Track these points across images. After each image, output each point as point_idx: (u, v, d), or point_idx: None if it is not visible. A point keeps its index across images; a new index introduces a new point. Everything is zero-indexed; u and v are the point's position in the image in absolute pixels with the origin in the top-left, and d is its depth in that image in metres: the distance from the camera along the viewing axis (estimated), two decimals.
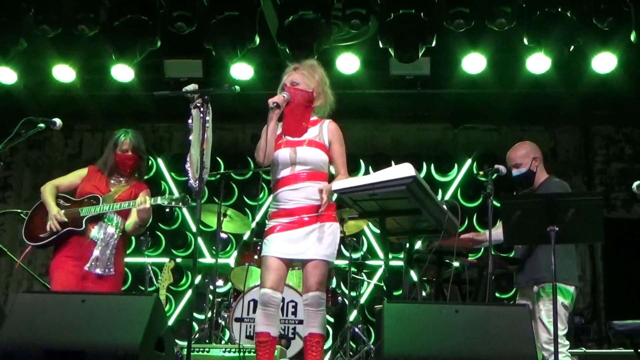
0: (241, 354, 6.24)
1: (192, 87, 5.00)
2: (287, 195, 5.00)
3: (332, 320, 8.52)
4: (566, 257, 5.54)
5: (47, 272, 6.14)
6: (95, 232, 5.72)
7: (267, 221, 5.15)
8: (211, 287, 7.75)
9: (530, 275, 5.59)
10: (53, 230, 5.67)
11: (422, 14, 7.17)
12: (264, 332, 4.92)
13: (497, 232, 5.58)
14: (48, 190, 5.85)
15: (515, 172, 5.80)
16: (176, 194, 5.82)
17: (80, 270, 5.63)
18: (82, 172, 5.99)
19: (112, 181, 5.91)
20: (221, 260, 8.40)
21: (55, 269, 5.70)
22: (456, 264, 5.74)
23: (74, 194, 5.88)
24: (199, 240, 9.20)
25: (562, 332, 5.38)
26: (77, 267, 5.64)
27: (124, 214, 5.85)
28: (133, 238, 9.67)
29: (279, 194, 5.05)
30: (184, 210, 10.06)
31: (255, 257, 7.68)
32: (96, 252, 5.66)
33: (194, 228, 9.82)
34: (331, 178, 5.16)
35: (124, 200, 5.77)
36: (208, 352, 6.45)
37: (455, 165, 9.94)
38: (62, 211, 5.71)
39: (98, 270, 5.64)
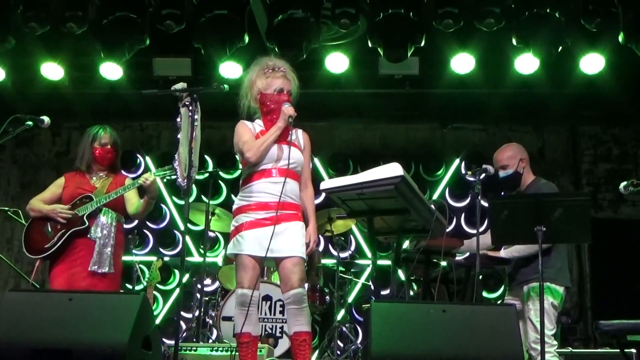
0: (231, 353, 6.24)
1: (180, 85, 5.01)
2: (264, 187, 4.97)
3: (319, 319, 8.52)
4: (558, 258, 5.57)
5: (34, 270, 6.09)
6: (93, 230, 5.75)
7: (235, 216, 5.08)
8: (199, 286, 7.75)
9: (522, 276, 5.62)
10: (67, 217, 5.69)
11: (411, 13, 7.17)
12: (246, 332, 4.92)
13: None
14: (36, 203, 5.88)
15: (502, 173, 5.82)
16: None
17: (83, 272, 5.64)
18: (60, 181, 6.02)
19: (93, 178, 5.95)
20: (209, 259, 8.39)
21: (57, 279, 5.69)
22: (444, 263, 5.76)
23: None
24: (187, 238, 9.19)
25: (550, 332, 5.40)
26: (79, 271, 5.65)
27: (119, 208, 5.88)
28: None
29: (253, 186, 5.00)
30: (172, 208, 10.06)
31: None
32: (97, 250, 5.70)
33: (182, 226, 9.80)
34: None
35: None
36: (195, 350, 6.45)
37: (444, 165, 9.94)
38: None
39: (102, 269, 5.67)
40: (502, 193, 6.04)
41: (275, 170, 5.01)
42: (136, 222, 9.79)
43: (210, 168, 9.60)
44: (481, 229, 5.56)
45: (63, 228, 5.72)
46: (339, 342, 7.81)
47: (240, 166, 9.36)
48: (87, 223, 5.72)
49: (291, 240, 4.93)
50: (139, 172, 9.97)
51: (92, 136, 5.95)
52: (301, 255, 4.94)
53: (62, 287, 5.58)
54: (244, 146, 5.05)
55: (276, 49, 7.32)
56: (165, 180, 5.97)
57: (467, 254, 6.00)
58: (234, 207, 5.12)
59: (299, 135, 5.22)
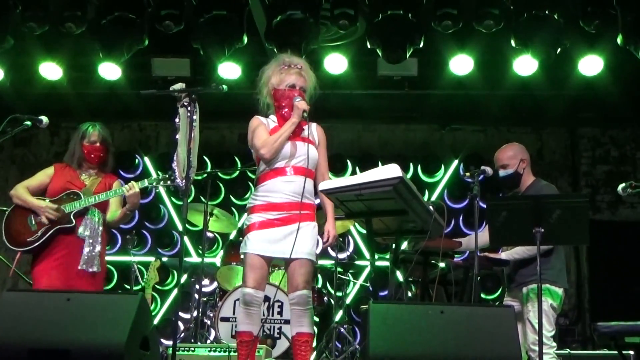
0: (228, 353, 6.24)
1: (179, 86, 5.00)
2: (277, 186, 4.98)
3: (317, 320, 8.52)
4: (556, 260, 5.57)
5: (14, 262, 5.99)
6: (81, 229, 5.67)
7: (248, 215, 5.11)
8: (197, 287, 7.74)
9: (521, 277, 5.61)
10: (52, 218, 5.59)
11: (410, 15, 7.17)
12: (247, 331, 4.93)
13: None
14: (22, 192, 5.76)
15: (502, 172, 5.82)
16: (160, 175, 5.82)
17: (70, 271, 5.57)
18: (49, 170, 5.92)
19: (83, 175, 5.87)
20: (207, 260, 8.39)
21: (42, 276, 5.59)
22: (442, 264, 5.76)
23: (43, 195, 5.79)
24: (186, 239, 9.19)
25: (550, 333, 5.41)
26: (66, 269, 5.58)
27: (103, 207, 5.82)
28: (119, 237, 9.74)
29: (267, 185, 5.03)
30: (171, 209, 10.06)
31: (242, 256, 7.67)
32: (86, 250, 5.63)
33: (180, 227, 9.81)
34: None
35: (100, 193, 5.74)
36: (193, 351, 6.45)
37: (442, 166, 9.96)
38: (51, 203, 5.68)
39: (91, 269, 5.61)
40: (500, 194, 6.04)
41: (289, 168, 5.02)
42: (134, 222, 9.84)
43: (209, 169, 9.60)
44: (479, 231, 5.56)
45: (48, 223, 5.63)
46: (337, 343, 7.81)
47: (240, 166, 9.51)
48: (74, 221, 5.64)
49: (301, 242, 4.93)
50: (138, 172, 9.99)
51: (81, 133, 5.89)
52: (309, 258, 4.96)
53: (48, 285, 5.49)
54: (258, 142, 5.06)
55: (275, 50, 7.32)
56: (153, 185, 5.86)
57: (466, 254, 6.00)
58: (248, 205, 5.15)
59: (312, 130, 5.21)
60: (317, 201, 5.23)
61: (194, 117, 4.90)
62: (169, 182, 5.70)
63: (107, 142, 5.93)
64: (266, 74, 5.25)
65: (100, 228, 5.76)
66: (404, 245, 6.37)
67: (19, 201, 5.75)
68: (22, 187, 5.81)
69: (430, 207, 5.08)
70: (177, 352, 5.00)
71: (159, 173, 5.88)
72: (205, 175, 8.08)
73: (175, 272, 9.76)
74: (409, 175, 9.58)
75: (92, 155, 5.87)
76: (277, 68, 5.22)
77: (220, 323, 7.41)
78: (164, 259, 9.27)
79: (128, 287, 8.15)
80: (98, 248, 5.69)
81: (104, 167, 5.97)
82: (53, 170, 5.91)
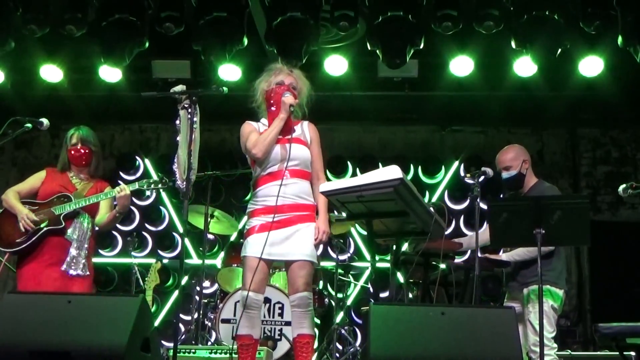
0: (229, 355, 6.23)
1: (179, 88, 5.00)
2: (273, 190, 4.98)
3: (318, 321, 8.52)
4: (557, 261, 5.57)
5: (16, 271, 5.97)
6: (70, 231, 5.68)
7: (247, 219, 5.14)
8: (198, 288, 7.74)
9: (522, 278, 5.61)
10: (28, 229, 5.58)
11: (410, 16, 7.16)
12: (247, 334, 4.93)
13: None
14: (11, 196, 5.77)
15: (505, 174, 5.82)
16: (154, 177, 5.82)
17: (55, 273, 5.56)
18: (41, 174, 5.94)
19: (74, 179, 5.88)
20: (208, 261, 8.38)
21: (27, 277, 5.60)
22: (443, 265, 5.76)
23: (34, 198, 5.80)
24: (186, 241, 9.19)
25: (550, 334, 5.41)
26: (52, 270, 5.57)
27: (93, 212, 5.82)
28: (120, 239, 9.74)
29: (263, 189, 5.05)
30: (171, 210, 10.06)
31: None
32: (72, 252, 5.63)
33: (181, 229, 9.80)
34: None
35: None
36: (194, 353, 6.44)
37: (443, 168, 9.95)
38: (33, 213, 5.66)
39: (75, 271, 5.60)
40: (501, 195, 6.03)
41: (279, 172, 5.02)
42: (135, 224, 9.84)
43: (209, 170, 9.60)
44: (480, 231, 5.56)
45: (36, 227, 5.62)
46: (337, 344, 7.80)
47: (240, 167, 9.50)
48: (63, 223, 5.64)
49: (301, 244, 4.95)
50: (138, 174, 9.98)
51: (66, 138, 5.92)
52: (310, 259, 4.97)
53: (33, 286, 5.48)
54: (249, 143, 5.08)
55: (275, 52, 7.32)
56: (144, 188, 5.85)
57: (467, 255, 5.99)
58: (247, 210, 5.17)
59: (304, 129, 5.23)
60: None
61: (195, 119, 4.90)
62: (160, 186, 5.72)
63: (88, 143, 5.89)
64: (259, 84, 5.31)
65: (89, 233, 5.77)
66: (405, 247, 6.38)
67: (7, 206, 5.77)
68: (13, 191, 5.84)
69: (431, 209, 5.08)
70: (178, 354, 4.99)
71: (160, 174, 5.89)
72: (205, 177, 8.08)
73: (176, 274, 9.75)
74: (410, 176, 9.58)
75: (75, 158, 5.87)
76: (267, 74, 5.29)
77: (221, 325, 7.41)
78: (165, 260, 9.26)
79: (129, 289, 8.15)
80: (84, 252, 5.68)
81: (90, 170, 5.95)
82: (45, 174, 5.94)
